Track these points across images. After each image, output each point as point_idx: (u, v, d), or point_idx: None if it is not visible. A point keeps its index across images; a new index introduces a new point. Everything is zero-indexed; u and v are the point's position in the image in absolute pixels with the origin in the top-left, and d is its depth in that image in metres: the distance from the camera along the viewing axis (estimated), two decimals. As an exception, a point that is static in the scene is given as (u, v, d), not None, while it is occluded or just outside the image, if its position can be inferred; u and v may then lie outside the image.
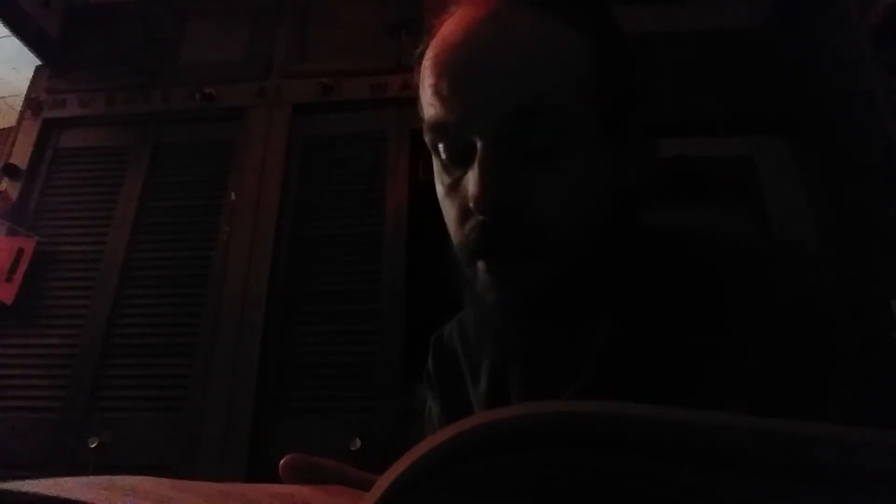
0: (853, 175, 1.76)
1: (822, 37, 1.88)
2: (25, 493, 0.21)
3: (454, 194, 0.49)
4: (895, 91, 1.59)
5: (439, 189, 0.52)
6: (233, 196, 1.92)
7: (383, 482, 0.18)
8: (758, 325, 0.44)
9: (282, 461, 0.36)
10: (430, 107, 0.49)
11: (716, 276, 0.48)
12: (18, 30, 2.05)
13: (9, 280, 1.81)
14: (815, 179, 1.88)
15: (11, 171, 1.98)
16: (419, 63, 0.52)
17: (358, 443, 1.58)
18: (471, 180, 0.46)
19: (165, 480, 0.27)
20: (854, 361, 0.43)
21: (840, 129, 1.81)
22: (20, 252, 1.85)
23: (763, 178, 1.91)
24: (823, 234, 1.82)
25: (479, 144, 0.46)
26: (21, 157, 2.03)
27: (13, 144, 2.06)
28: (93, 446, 1.62)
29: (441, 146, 0.50)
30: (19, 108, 2.16)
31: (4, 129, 2.44)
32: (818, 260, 0.48)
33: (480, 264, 0.48)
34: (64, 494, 0.21)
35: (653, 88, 0.54)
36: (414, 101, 0.55)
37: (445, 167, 0.50)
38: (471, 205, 0.46)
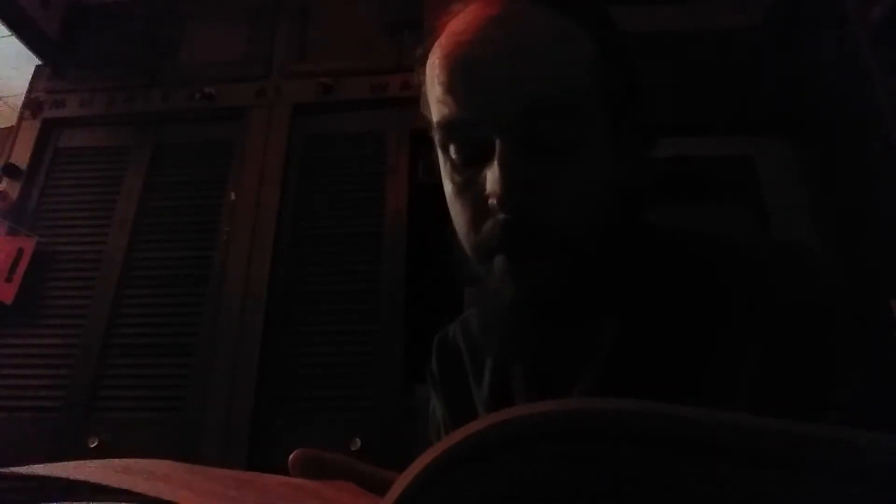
0: (853, 175, 1.76)
1: (822, 37, 1.88)
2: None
3: (467, 193, 0.49)
4: (895, 91, 1.59)
5: (449, 188, 0.51)
6: (233, 196, 1.92)
7: (403, 480, 0.18)
8: (759, 325, 0.44)
9: (291, 455, 0.36)
10: (441, 105, 0.49)
11: (718, 276, 0.48)
12: (18, 30, 2.05)
13: (9, 280, 1.81)
14: (815, 179, 1.88)
15: (11, 171, 1.98)
16: (423, 63, 0.52)
17: (358, 443, 1.58)
18: (489, 178, 0.45)
19: (181, 464, 0.27)
20: (855, 362, 0.43)
21: (840, 129, 1.81)
22: (20, 252, 1.85)
23: (763, 178, 1.91)
24: (823, 234, 1.82)
25: (497, 142, 0.46)
26: (21, 157, 2.03)
27: (13, 144, 2.06)
28: (93, 446, 1.62)
29: (453, 145, 0.49)
30: (19, 108, 2.15)
31: (4, 129, 2.44)
32: (819, 260, 0.48)
33: (499, 259, 0.47)
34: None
35: (652, 88, 0.54)
36: (414, 101, 0.55)
37: (456, 166, 0.50)
38: (491, 202, 0.45)
